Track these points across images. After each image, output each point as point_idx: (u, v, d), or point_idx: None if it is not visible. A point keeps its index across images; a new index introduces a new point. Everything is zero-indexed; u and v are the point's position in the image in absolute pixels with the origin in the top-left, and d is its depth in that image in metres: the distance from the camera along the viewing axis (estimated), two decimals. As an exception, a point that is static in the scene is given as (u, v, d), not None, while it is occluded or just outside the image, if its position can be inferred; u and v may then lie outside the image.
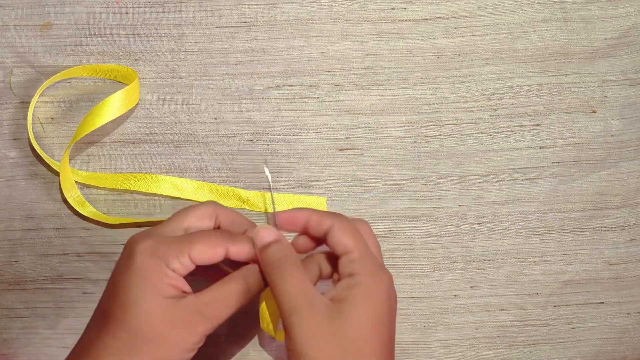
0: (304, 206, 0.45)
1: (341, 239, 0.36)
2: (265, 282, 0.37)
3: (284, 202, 0.45)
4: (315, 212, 0.38)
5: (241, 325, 0.45)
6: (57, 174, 0.45)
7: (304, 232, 0.38)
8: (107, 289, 0.36)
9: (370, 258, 0.36)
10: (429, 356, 0.45)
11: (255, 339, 0.45)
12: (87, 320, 0.36)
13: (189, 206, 0.39)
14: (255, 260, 0.37)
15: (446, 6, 0.47)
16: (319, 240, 0.38)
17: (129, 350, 0.34)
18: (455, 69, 0.46)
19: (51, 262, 0.45)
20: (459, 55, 0.46)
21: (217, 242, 0.36)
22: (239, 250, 0.37)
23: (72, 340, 0.43)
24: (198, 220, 0.38)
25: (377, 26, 0.47)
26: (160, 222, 0.38)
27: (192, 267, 0.36)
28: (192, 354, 0.35)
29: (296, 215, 0.38)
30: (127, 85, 0.45)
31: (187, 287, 0.36)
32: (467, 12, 0.47)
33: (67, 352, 0.36)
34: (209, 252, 0.36)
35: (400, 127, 0.46)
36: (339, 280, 0.36)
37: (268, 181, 0.42)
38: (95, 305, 0.37)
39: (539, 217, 0.46)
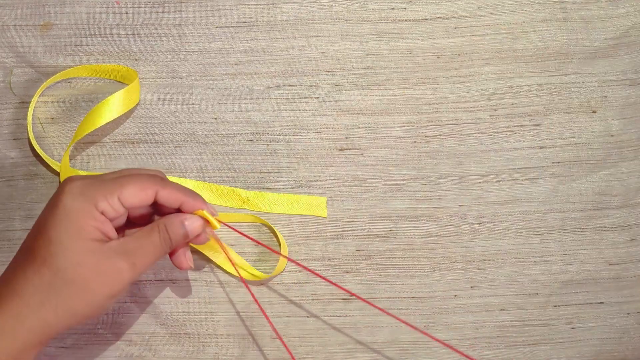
0: (304, 206, 0.45)
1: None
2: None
3: (284, 201, 0.45)
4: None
5: (241, 324, 0.45)
6: (57, 174, 0.45)
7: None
8: (34, 226, 0.36)
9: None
10: (429, 356, 0.45)
11: (255, 339, 0.45)
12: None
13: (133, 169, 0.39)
14: (182, 207, 0.38)
15: (446, 6, 0.47)
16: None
17: (51, 289, 0.33)
18: (455, 69, 0.46)
19: (51, 262, 0.45)
20: (459, 55, 0.46)
21: (147, 185, 0.36)
22: (169, 194, 0.37)
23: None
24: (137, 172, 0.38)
25: (377, 26, 0.47)
26: None
27: (122, 210, 0.36)
28: (114, 300, 0.35)
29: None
30: (128, 85, 0.45)
31: (113, 233, 0.36)
32: (467, 12, 0.47)
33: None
34: (140, 195, 0.36)
35: (400, 127, 0.46)
36: None
37: None
38: None
39: (539, 217, 0.46)
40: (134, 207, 0.36)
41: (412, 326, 0.43)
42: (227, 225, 0.41)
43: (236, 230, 0.42)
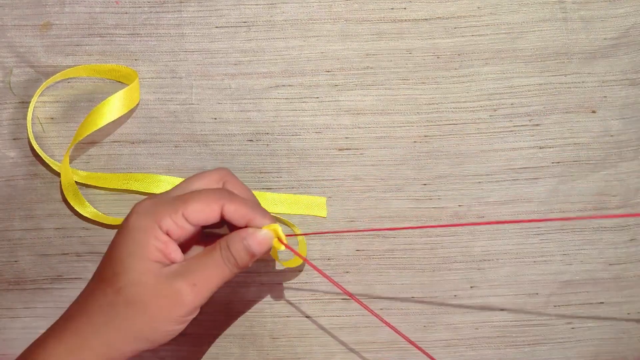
0: (304, 206, 0.45)
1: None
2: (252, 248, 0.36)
3: (284, 201, 0.45)
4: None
5: (241, 324, 0.45)
6: (57, 174, 0.45)
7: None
8: (106, 251, 0.36)
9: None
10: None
11: (255, 339, 0.45)
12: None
13: (198, 173, 0.38)
14: (249, 223, 0.36)
15: (446, 6, 0.47)
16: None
17: (113, 309, 0.33)
18: (455, 69, 0.46)
19: (51, 262, 0.45)
20: (459, 55, 0.46)
21: (213, 199, 0.35)
22: (236, 209, 0.35)
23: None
24: (206, 185, 0.37)
25: (377, 26, 0.47)
26: None
27: (188, 227, 0.34)
28: (181, 326, 0.34)
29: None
30: (127, 85, 0.45)
31: (176, 254, 0.34)
32: (467, 12, 0.47)
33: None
34: (205, 211, 0.34)
35: (400, 127, 0.46)
36: None
37: None
38: None
39: (538, 217, 0.46)
40: (200, 223, 0.35)
41: (395, 329, 0.43)
42: (292, 250, 0.38)
43: (303, 258, 0.40)
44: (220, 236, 0.36)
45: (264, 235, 0.35)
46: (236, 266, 0.35)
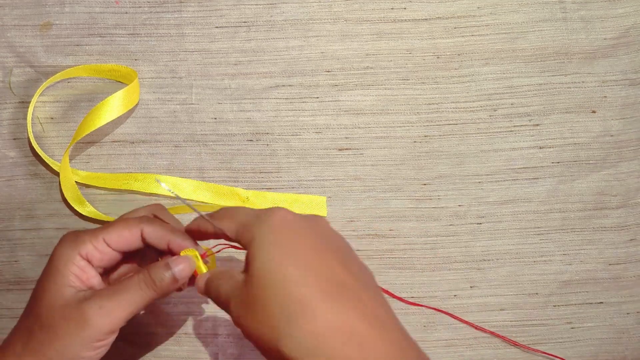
0: (304, 205, 0.45)
1: (221, 225, 0.34)
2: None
3: (284, 201, 0.45)
4: (198, 219, 0.36)
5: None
6: (57, 174, 0.45)
7: (206, 236, 0.36)
8: None
9: (245, 216, 0.34)
10: (429, 356, 0.45)
11: (255, 339, 0.45)
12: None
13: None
14: (170, 250, 0.36)
15: (446, 6, 0.47)
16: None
17: (31, 334, 0.33)
18: (455, 69, 0.46)
19: (51, 262, 0.45)
20: (459, 55, 0.46)
21: (132, 223, 0.36)
22: (154, 230, 0.36)
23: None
24: (134, 216, 0.37)
25: (377, 26, 0.47)
26: None
27: (110, 252, 0.35)
28: (94, 352, 0.34)
29: (190, 231, 0.36)
30: (127, 85, 0.45)
31: (95, 279, 0.35)
32: (467, 12, 0.47)
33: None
34: (124, 233, 0.35)
35: (399, 127, 0.46)
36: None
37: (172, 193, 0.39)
38: None
39: (538, 217, 0.46)
40: (122, 248, 0.36)
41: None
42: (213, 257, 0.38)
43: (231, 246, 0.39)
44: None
45: (184, 260, 0.35)
46: (155, 290, 0.34)
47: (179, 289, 0.37)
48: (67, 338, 0.33)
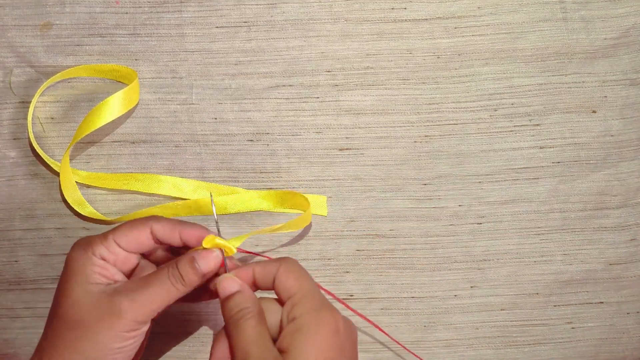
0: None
1: (284, 283, 0.34)
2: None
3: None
4: (259, 264, 0.36)
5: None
6: (57, 174, 0.45)
7: (256, 286, 0.36)
8: None
9: (311, 297, 0.34)
10: (429, 356, 0.45)
11: (255, 339, 0.45)
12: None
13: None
14: (184, 243, 0.37)
15: (446, 6, 0.47)
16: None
17: (58, 337, 0.34)
18: (455, 69, 0.46)
19: (51, 262, 0.45)
20: (459, 55, 0.46)
21: (140, 222, 0.36)
22: (163, 225, 0.36)
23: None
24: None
25: (377, 26, 0.47)
26: None
27: (122, 253, 0.36)
28: (126, 343, 0.34)
29: (241, 273, 0.36)
30: (127, 85, 0.45)
31: (119, 276, 0.36)
32: (467, 12, 0.47)
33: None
34: (133, 233, 0.36)
35: (400, 127, 0.46)
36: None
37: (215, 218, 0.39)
38: None
39: (539, 217, 0.46)
40: (134, 248, 0.36)
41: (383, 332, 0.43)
42: (243, 250, 0.40)
43: (252, 253, 0.42)
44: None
45: (210, 254, 0.36)
46: (183, 284, 0.35)
47: (211, 296, 0.38)
48: (100, 331, 0.33)
